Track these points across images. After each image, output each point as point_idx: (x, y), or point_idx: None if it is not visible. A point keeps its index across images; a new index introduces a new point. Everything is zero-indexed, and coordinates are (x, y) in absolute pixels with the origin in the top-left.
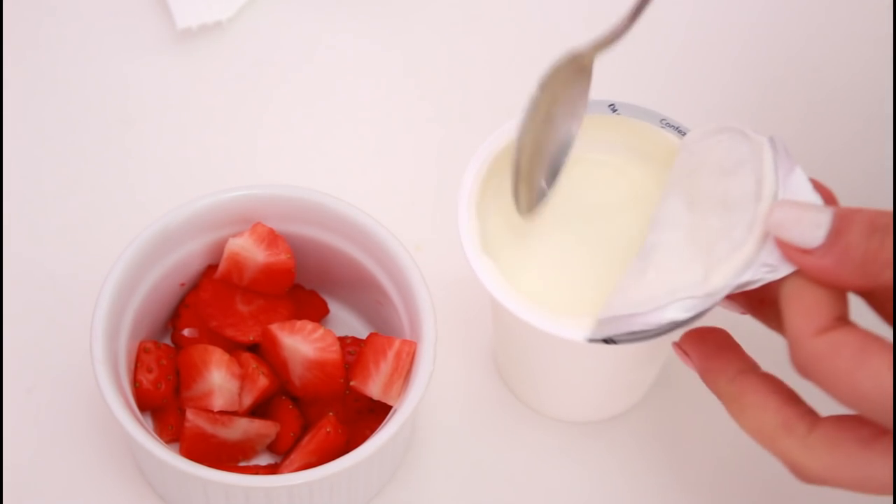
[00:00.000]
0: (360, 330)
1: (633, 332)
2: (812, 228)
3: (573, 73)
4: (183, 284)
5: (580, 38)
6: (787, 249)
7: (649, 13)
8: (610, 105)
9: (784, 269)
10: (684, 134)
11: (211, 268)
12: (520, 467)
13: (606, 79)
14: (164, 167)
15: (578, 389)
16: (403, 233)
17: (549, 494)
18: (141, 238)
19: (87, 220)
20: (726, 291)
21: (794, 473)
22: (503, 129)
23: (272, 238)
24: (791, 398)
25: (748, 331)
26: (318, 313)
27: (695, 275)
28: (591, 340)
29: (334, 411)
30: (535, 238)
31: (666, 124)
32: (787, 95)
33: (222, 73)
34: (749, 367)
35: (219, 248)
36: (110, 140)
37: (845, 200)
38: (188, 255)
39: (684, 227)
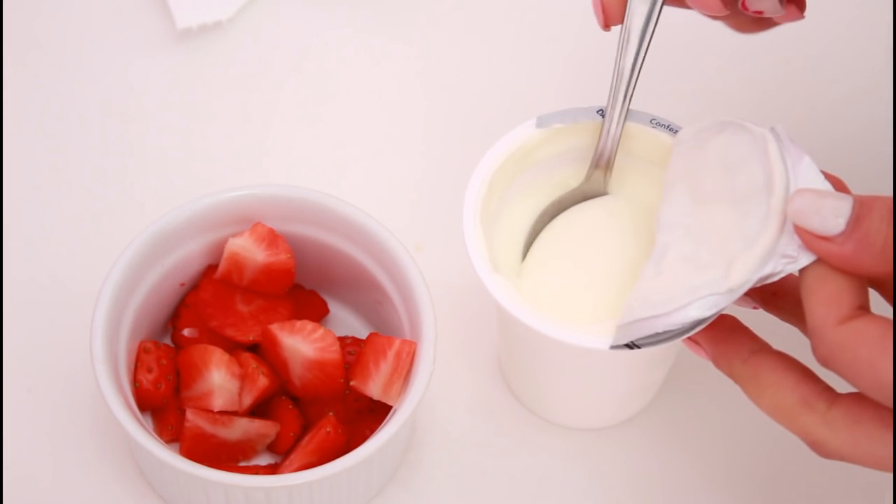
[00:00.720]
0: (360, 330)
1: (657, 335)
2: (832, 216)
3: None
4: (183, 284)
5: (584, 39)
6: (807, 237)
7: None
8: (598, 111)
9: (804, 259)
10: (675, 132)
11: (211, 268)
12: (519, 466)
13: (593, 83)
14: (164, 167)
15: (594, 396)
16: (403, 233)
17: (549, 494)
18: (141, 238)
19: (87, 220)
20: (748, 286)
21: (814, 449)
22: (501, 142)
23: (272, 238)
24: (807, 375)
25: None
26: (318, 313)
27: (714, 271)
28: (614, 347)
29: (334, 411)
30: (542, 247)
31: (656, 123)
32: (775, 93)
33: (222, 73)
34: (761, 346)
35: (219, 248)
36: (110, 140)
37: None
38: (188, 255)
39: (693, 225)
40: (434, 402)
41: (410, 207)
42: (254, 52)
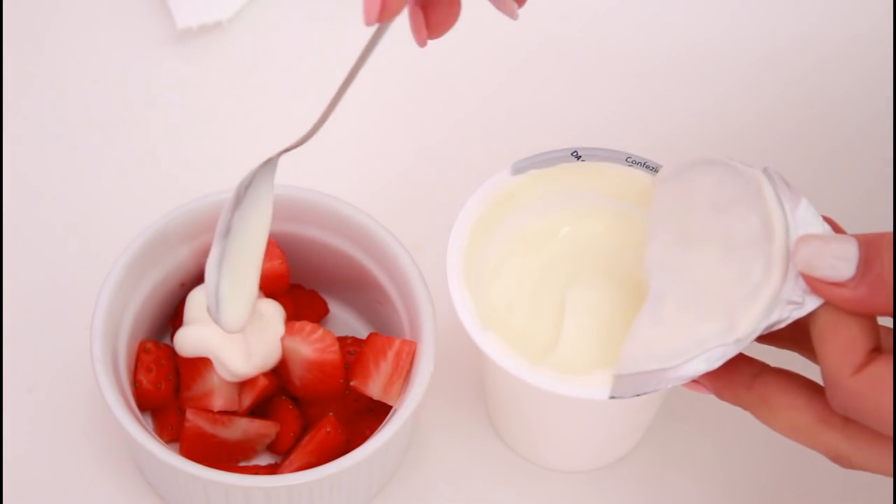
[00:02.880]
0: (360, 330)
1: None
2: (841, 261)
3: None
4: (183, 284)
5: (584, 40)
6: (818, 285)
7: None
8: (573, 152)
9: (811, 304)
10: (653, 169)
11: None
12: (520, 465)
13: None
14: (164, 167)
15: (585, 440)
16: (403, 233)
17: (550, 495)
18: (141, 238)
19: (86, 220)
20: (755, 335)
21: (837, 463)
22: (478, 193)
23: None
24: (816, 390)
25: None
26: (318, 313)
27: (718, 322)
28: (615, 397)
29: (334, 411)
30: (531, 299)
31: (633, 162)
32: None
33: (222, 73)
34: (761, 369)
35: None
36: (110, 140)
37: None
38: (188, 256)
39: (687, 270)
40: (434, 402)
41: (410, 207)
42: (254, 52)
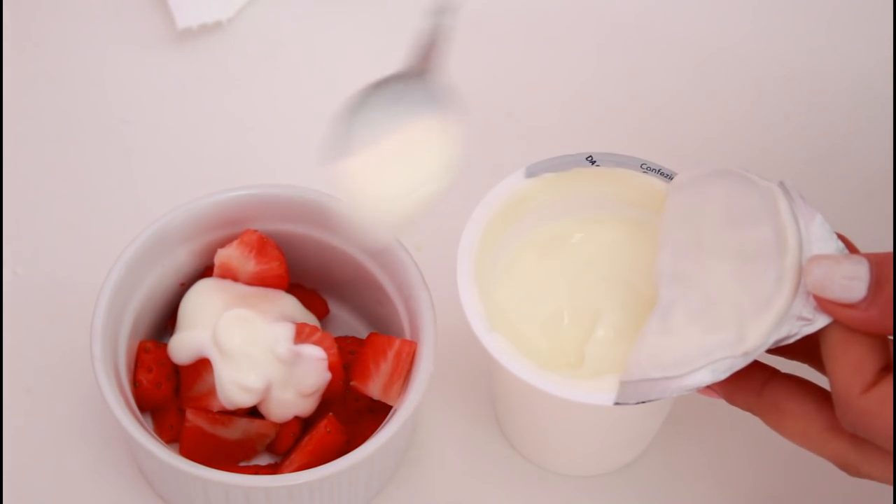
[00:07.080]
0: (360, 330)
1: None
2: (853, 282)
3: None
4: (183, 284)
5: (584, 40)
6: (829, 305)
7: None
8: (588, 157)
9: (821, 321)
10: (668, 177)
11: (210, 268)
12: (520, 466)
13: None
14: (164, 167)
15: (592, 445)
16: (403, 233)
17: (551, 498)
18: (141, 238)
19: (87, 220)
20: (764, 349)
21: (844, 471)
22: (491, 195)
23: (261, 245)
24: (825, 397)
25: None
26: (318, 313)
27: (727, 334)
28: (620, 403)
29: (334, 411)
30: (540, 302)
31: (648, 169)
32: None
33: (222, 73)
34: (772, 374)
35: (218, 248)
36: (110, 140)
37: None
38: (188, 256)
39: (697, 280)
40: (434, 402)
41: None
42: (254, 53)
